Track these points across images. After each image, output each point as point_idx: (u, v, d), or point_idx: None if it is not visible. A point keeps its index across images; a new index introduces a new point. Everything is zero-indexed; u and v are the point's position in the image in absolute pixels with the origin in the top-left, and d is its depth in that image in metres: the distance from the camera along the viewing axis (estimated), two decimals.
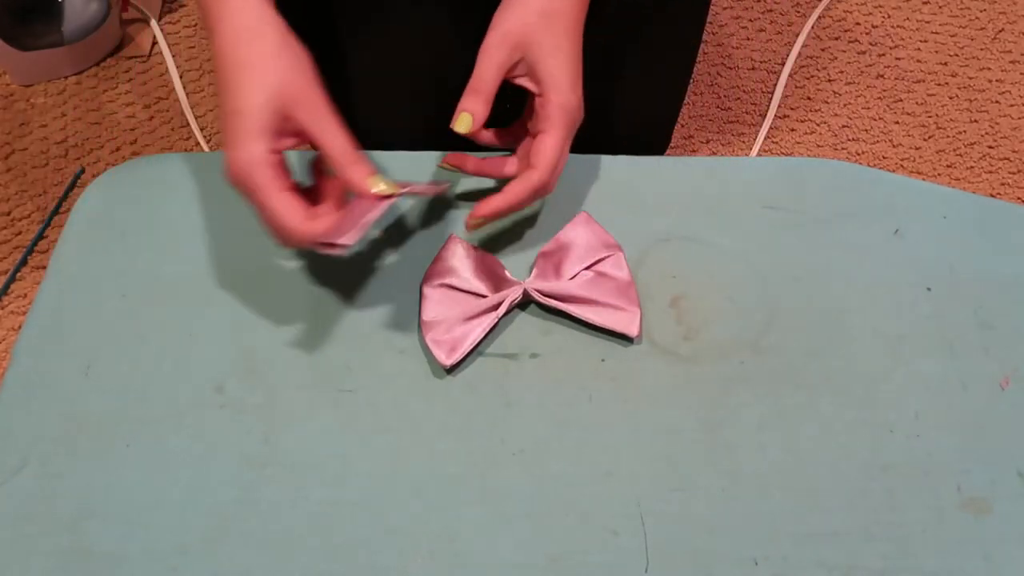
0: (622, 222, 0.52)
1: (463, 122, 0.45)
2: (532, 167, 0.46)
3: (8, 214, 1.07)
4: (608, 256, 0.49)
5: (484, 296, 0.48)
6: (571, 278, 0.49)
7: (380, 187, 0.43)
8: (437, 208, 0.53)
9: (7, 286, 1.01)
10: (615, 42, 0.60)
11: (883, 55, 1.23)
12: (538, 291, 0.48)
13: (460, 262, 0.49)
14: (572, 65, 0.46)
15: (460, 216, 0.53)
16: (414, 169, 0.54)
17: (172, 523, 0.42)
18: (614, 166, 0.55)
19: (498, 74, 0.46)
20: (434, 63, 0.61)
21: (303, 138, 0.44)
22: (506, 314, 0.48)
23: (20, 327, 0.50)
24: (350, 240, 0.42)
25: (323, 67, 0.60)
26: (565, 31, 0.46)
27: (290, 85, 0.42)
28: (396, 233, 0.52)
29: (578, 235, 0.50)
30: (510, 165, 0.50)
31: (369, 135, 0.52)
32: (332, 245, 0.43)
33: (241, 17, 0.42)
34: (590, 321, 0.47)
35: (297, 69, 0.43)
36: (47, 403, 0.46)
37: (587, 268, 0.49)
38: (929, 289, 0.50)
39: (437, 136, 0.55)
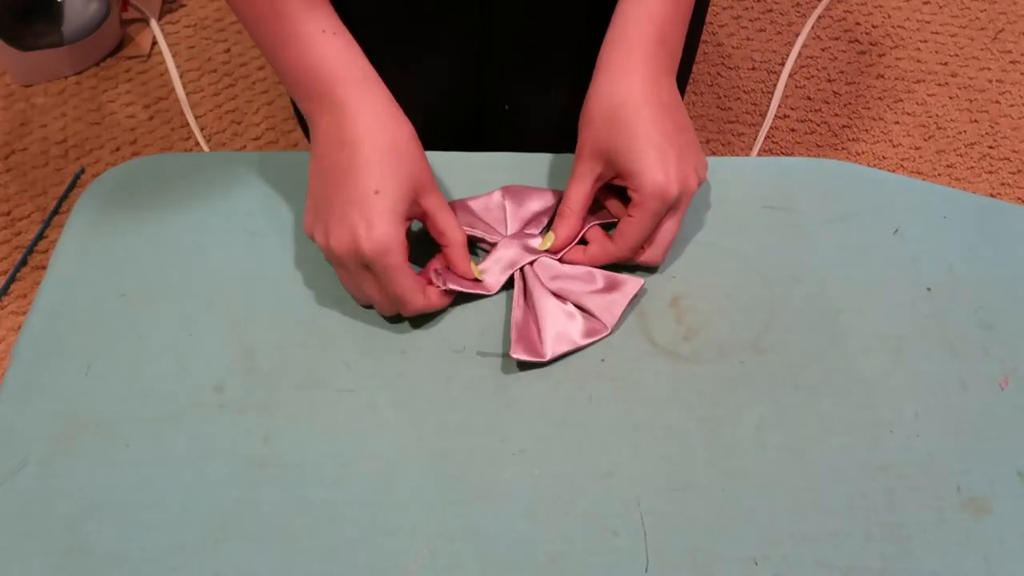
0: None
1: (547, 240, 0.50)
2: (614, 242, 0.49)
3: (8, 214, 1.07)
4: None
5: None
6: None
7: (477, 273, 0.49)
8: None
9: (7, 286, 1.01)
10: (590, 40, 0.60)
11: (883, 55, 1.23)
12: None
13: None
14: (652, 142, 0.46)
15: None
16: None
17: (172, 523, 0.42)
18: None
19: (588, 197, 0.50)
20: (442, 77, 0.62)
21: (423, 220, 0.48)
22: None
23: (20, 327, 0.50)
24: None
25: None
26: (636, 113, 0.47)
27: (422, 172, 0.46)
28: None
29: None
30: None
31: None
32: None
33: (381, 103, 0.46)
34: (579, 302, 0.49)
35: (424, 159, 0.47)
36: (47, 403, 0.46)
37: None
38: (929, 289, 0.50)
39: (443, 142, 0.55)
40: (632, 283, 0.49)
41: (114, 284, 0.50)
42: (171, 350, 0.48)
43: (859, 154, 1.13)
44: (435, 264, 0.49)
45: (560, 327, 0.47)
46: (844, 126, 1.16)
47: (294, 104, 0.72)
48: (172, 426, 0.45)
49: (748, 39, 1.25)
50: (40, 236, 1.05)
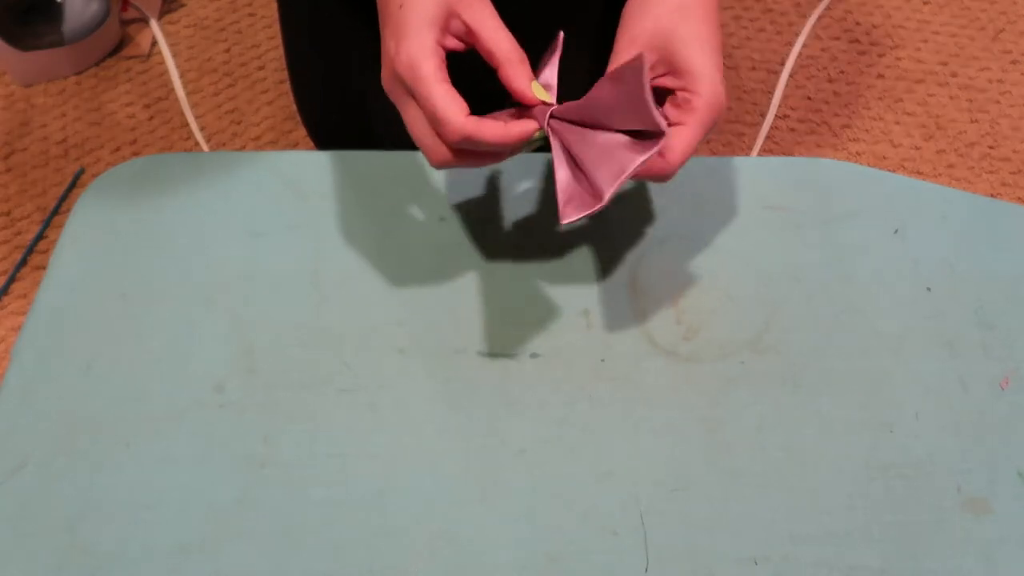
0: (622, 222, 0.52)
1: None
2: (665, 157, 0.43)
3: (8, 214, 1.07)
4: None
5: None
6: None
7: (543, 94, 0.42)
8: (434, 208, 0.53)
9: (7, 286, 1.01)
10: (605, 41, 0.60)
11: (883, 55, 1.23)
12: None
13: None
14: (716, 56, 0.43)
15: (459, 220, 0.53)
16: (431, 170, 0.54)
17: (172, 523, 0.42)
18: None
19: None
20: (453, 63, 0.61)
21: (466, 40, 0.43)
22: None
23: (20, 327, 0.50)
24: (497, 159, 0.42)
25: (340, 70, 0.60)
26: (705, 19, 0.43)
27: None
28: (396, 233, 0.52)
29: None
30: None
31: (392, 136, 0.52)
32: (479, 157, 0.42)
33: None
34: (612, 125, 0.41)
35: None
36: (47, 403, 0.46)
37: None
38: (929, 289, 0.50)
39: None
40: (634, 66, 0.39)
41: (114, 284, 0.50)
42: (171, 350, 0.48)
43: (859, 154, 1.13)
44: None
45: (607, 156, 0.40)
46: (844, 126, 1.16)
47: (295, 103, 0.72)
48: (172, 426, 0.45)
49: (748, 39, 1.25)
50: (40, 236, 1.05)
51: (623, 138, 0.40)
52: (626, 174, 0.40)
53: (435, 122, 0.41)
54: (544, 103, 0.42)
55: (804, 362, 0.48)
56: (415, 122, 0.42)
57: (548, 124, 0.42)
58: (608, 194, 0.40)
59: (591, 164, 0.40)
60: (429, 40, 0.41)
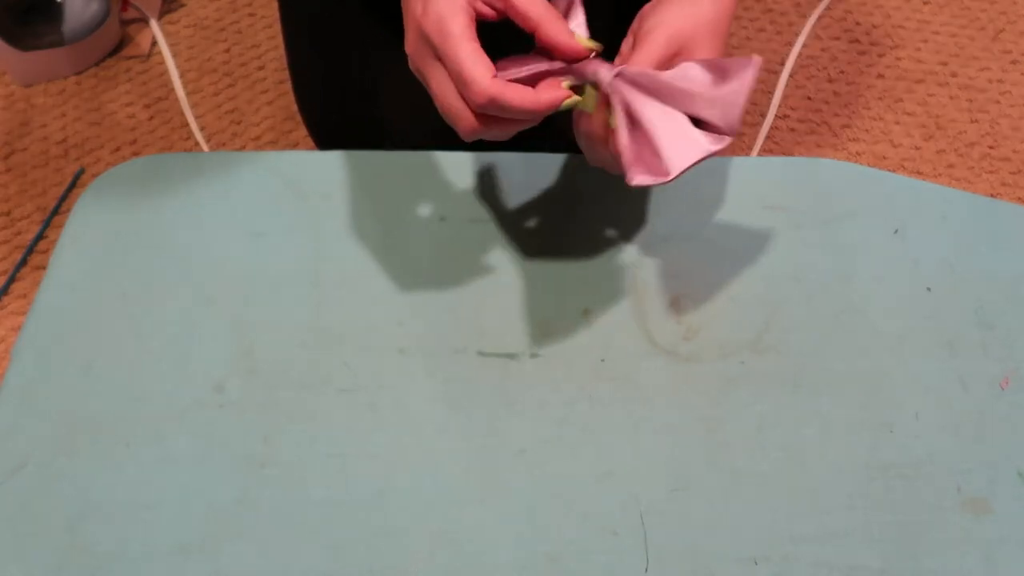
0: (622, 222, 0.52)
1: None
2: None
3: (8, 214, 1.07)
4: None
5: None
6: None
7: (592, 43, 0.40)
8: (434, 208, 0.53)
9: (7, 286, 1.01)
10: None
11: (883, 55, 1.23)
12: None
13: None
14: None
15: (459, 220, 0.53)
16: (441, 168, 0.54)
17: (172, 523, 0.42)
18: None
19: (656, 67, 0.42)
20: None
21: (497, 7, 0.40)
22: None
23: (20, 327, 0.50)
24: (528, 122, 0.40)
25: (340, 69, 0.59)
26: (723, 41, 0.44)
27: None
28: (396, 233, 0.52)
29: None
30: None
31: (394, 135, 0.52)
32: (507, 124, 0.40)
33: None
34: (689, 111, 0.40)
35: None
36: (47, 403, 0.46)
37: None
38: (929, 289, 0.50)
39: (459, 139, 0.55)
40: (744, 64, 0.39)
41: (114, 284, 0.50)
42: (171, 350, 0.48)
43: (859, 154, 1.13)
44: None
45: (680, 134, 0.39)
46: (844, 126, 1.16)
47: (295, 103, 0.72)
48: (172, 426, 0.45)
49: (748, 39, 1.25)
50: (40, 236, 1.05)
51: (691, 122, 0.40)
52: (699, 159, 0.39)
53: (461, 83, 0.39)
54: (596, 54, 0.40)
55: (804, 362, 0.48)
56: (441, 87, 0.40)
57: (612, 81, 0.40)
58: (677, 172, 0.39)
59: (662, 137, 0.39)
60: (460, 2, 0.39)
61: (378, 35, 0.47)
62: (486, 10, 0.41)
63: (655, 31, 0.42)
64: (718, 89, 0.39)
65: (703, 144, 0.39)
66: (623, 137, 0.40)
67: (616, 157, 0.40)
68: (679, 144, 0.39)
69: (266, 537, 0.42)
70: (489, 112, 0.40)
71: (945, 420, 0.46)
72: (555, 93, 0.40)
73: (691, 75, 0.40)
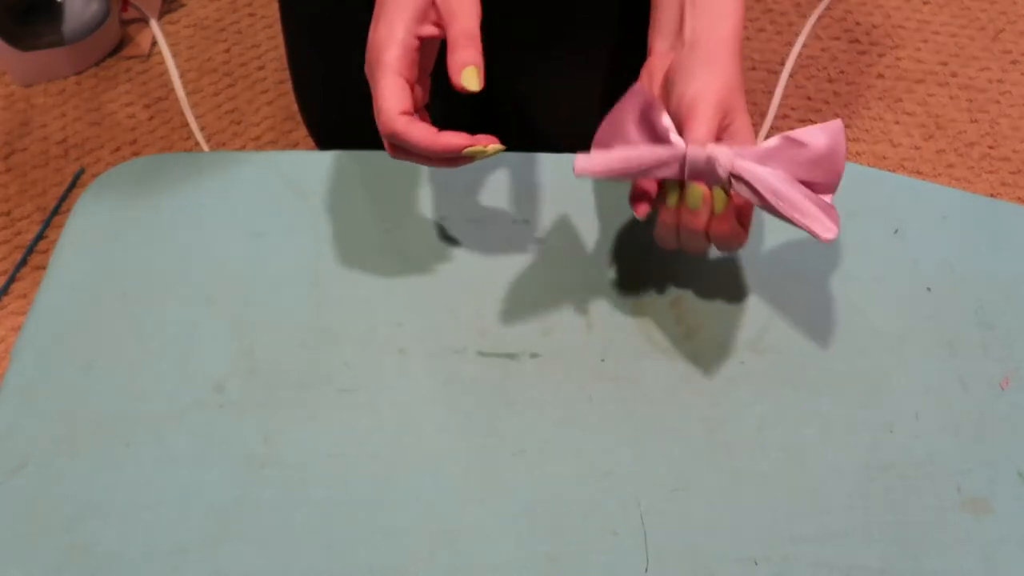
0: (623, 222, 0.52)
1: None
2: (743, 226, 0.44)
3: (8, 214, 1.07)
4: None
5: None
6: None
7: (471, 81, 0.40)
8: (434, 208, 0.53)
9: (7, 286, 1.01)
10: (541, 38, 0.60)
11: (883, 55, 1.23)
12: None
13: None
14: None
15: (459, 220, 0.53)
16: (441, 168, 0.54)
17: (172, 523, 0.42)
18: None
19: (715, 138, 0.42)
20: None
21: (441, 27, 0.42)
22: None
23: (20, 327, 0.50)
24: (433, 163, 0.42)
25: (340, 69, 0.59)
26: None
27: None
28: (396, 233, 0.52)
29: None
30: None
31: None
32: (414, 156, 0.42)
33: None
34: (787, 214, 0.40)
35: None
36: (47, 403, 0.46)
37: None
38: (929, 289, 0.50)
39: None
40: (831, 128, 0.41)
41: (114, 284, 0.50)
42: (171, 350, 0.48)
43: (859, 154, 1.13)
44: None
45: (811, 196, 0.40)
46: (844, 126, 1.16)
47: (296, 103, 0.72)
48: (172, 426, 0.45)
49: (748, 39, 1.25)
50: (40, 236, 1.05)
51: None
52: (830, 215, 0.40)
53: (375, 110, 0.41)
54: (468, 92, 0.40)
55: (804, 362, 0.48)
56: (375, 103, 0.42)
57: (735, 163, 0.40)
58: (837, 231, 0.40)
59: (805, 201, 0.40)
60: (399, 27, 0.41)
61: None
62: (431, 31, 0.42)
63: (701, 102, 0.42)
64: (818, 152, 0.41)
65: (828, 199, 0.41)
66: (782, 207, 0.40)
67: (726, 235, 0.42)
68: (819, 204, 0.40)
69: (266, 537, 0.42)
70: (394, 143, 0.42)
71: (945, 420, 0.46)
72: (456, 140, 0.41)
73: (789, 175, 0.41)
